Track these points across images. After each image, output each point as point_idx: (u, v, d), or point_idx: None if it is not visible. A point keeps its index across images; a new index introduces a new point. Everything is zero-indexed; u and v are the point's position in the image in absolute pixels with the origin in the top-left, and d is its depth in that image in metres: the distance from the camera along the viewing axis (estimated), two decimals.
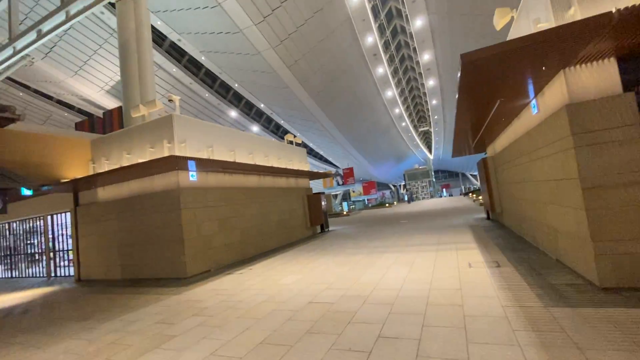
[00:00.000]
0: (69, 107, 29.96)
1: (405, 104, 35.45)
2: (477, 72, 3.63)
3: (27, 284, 10.23)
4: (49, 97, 28.47)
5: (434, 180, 63.13)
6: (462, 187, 64.71)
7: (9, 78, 22.69)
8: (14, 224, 12.28)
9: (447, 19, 17.69)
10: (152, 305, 5.79)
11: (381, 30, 22.67)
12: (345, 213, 31.48)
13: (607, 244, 3.77)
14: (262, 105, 32.37)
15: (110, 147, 9.19)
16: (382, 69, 24.19)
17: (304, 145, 30.90)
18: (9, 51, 15.08)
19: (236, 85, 28.70)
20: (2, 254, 12.64)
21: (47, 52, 22.57)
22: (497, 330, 3.20)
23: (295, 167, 13.88)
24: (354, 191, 55.09)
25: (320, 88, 25.11)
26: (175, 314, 5.10)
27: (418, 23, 19.07)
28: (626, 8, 2.71)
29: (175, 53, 25.50)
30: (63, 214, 10.79)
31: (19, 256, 12.11)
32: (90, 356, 3.87)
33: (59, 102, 29.28)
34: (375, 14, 20.89)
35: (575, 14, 3.82)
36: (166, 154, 7.91)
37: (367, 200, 53.62)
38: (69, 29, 19.18)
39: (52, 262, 11.13)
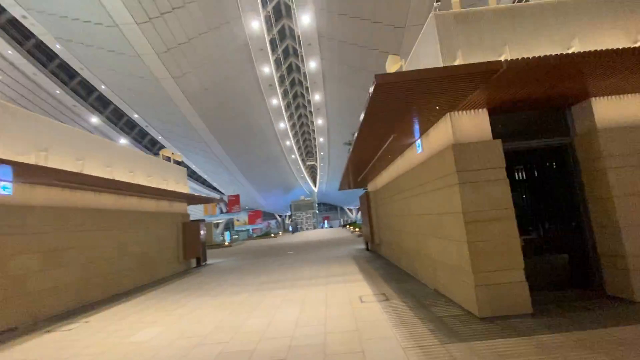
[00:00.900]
0: None
1: (296, 137, 36.80)
2: (387, 94, 3.55)
3: None
4: None
5: (317, 212, 66.60)
6: (341, 219, 70.31)
7: None
8: None
9: (337, 67, 19.45)
10: None
11: (277, 64, 23.18)
12: (226, 244, 28.95)
13: (484, 274, 4.07)
14: (135, 116, 27.68)
15: None
16: (276, 100, 24.46)
17: (185, 166, 27.54)
18: None
19: (103, 87, 23.80)
20: None
21: None
22: None
23: (171, 188, 11.77)
24: (238, 220, 52.29)
25: (210, 107, 23.33)
26: None
27: (312, 65, 20.27)
28: (513, 60, 3.07)
29: (16, 33, 19.55)
30: None
31: None
32: None
33: None
34: (273, 48, 21.31)
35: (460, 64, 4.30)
36: None
37: (252, 230, 51.48)
38: None
39: None
